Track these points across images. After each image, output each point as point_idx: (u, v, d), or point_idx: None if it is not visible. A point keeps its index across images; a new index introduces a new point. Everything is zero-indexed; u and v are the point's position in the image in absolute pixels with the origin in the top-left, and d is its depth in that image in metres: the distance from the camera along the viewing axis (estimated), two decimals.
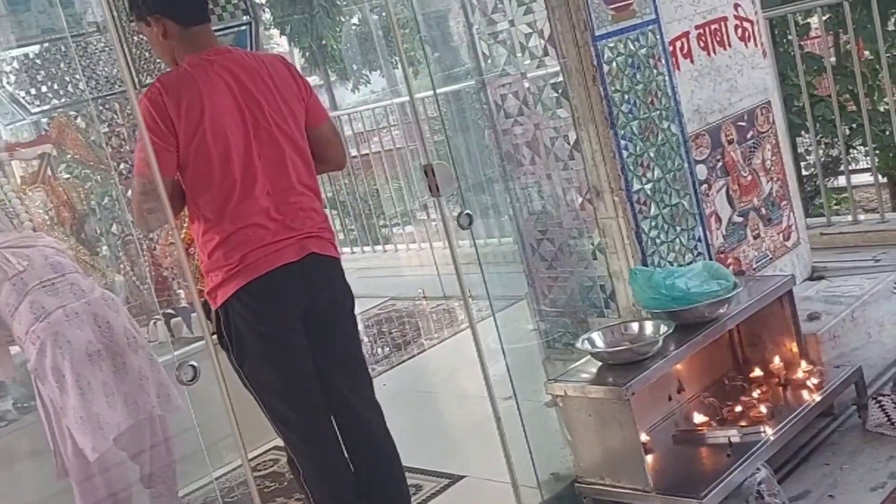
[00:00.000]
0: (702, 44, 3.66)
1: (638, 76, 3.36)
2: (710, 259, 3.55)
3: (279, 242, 2.50)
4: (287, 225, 2.52)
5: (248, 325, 2.49)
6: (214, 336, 2.54)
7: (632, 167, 3.32)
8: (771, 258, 3.91)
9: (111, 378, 3.31)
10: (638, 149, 3.35)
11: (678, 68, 3.54)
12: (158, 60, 4.86)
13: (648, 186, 3.37)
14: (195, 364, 2.24)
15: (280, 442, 3.90)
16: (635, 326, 3.14)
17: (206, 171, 2.47)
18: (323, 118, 2.72)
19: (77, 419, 3.25)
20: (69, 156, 4.17)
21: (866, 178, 6.03)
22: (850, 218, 4.67)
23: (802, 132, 5.84)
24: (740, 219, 3.78)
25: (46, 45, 4.41)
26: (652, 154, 3.39)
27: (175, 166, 2.46)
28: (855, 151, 6.44)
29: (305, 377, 2.57)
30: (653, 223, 3.39)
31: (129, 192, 3.92)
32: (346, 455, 2.66)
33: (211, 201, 2.48)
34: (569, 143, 3.43)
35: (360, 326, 5.81)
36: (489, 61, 3.60)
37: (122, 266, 4.20)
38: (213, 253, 2.49)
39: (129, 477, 3.45)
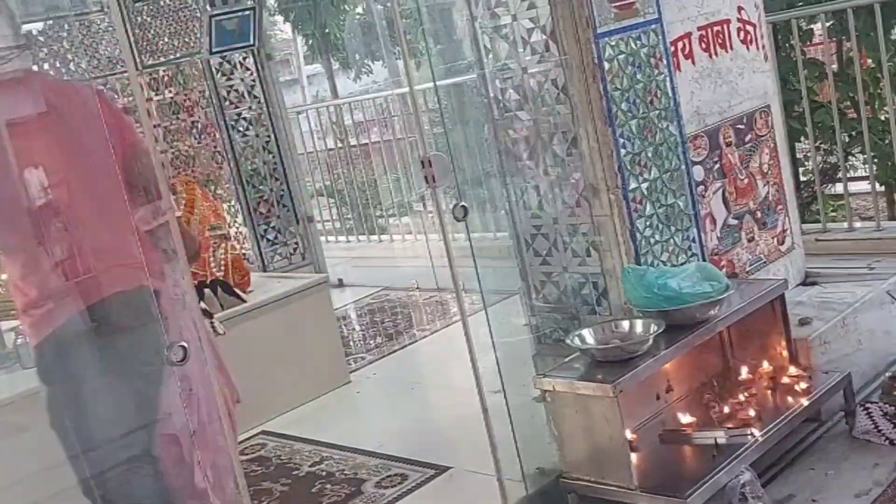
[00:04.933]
0: (703, 45, 3.66)
1: (638, 75, 3.36)
2: (704, 260, 3.56)
3: None
4: None
5: None
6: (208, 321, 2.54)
7: (629, 166, 3.32)
8: (765, 262, 3.92)
9: None
10: (636, 148, 3.35)
11: (679, 69, 3.54)
12: (161, 43, 4.87)
13: (645, 186, 3.38)
14: (185, 345, 2.25)
15: (268, 426, 3.91)
16: (626, 325, 3.15)
17: None
18: None
19: None
20: None
21: (863, 185, 6.04)
22: (845, 225, 4.69)
23: (802, 138, 5.85)
24: (735, 221, 3.79)
25: (50, 22, 4.39)
26: (649, 153, 3.40)
27: None
28: (853, 159, 6.45)
29: None
30: (647, 222, 3.40)
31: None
32: None
33: None
34: (567, 140, 3.43)
35: (354, 315, 5.84)
36: (490, 55, 3.59)
37: None
38: None
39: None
